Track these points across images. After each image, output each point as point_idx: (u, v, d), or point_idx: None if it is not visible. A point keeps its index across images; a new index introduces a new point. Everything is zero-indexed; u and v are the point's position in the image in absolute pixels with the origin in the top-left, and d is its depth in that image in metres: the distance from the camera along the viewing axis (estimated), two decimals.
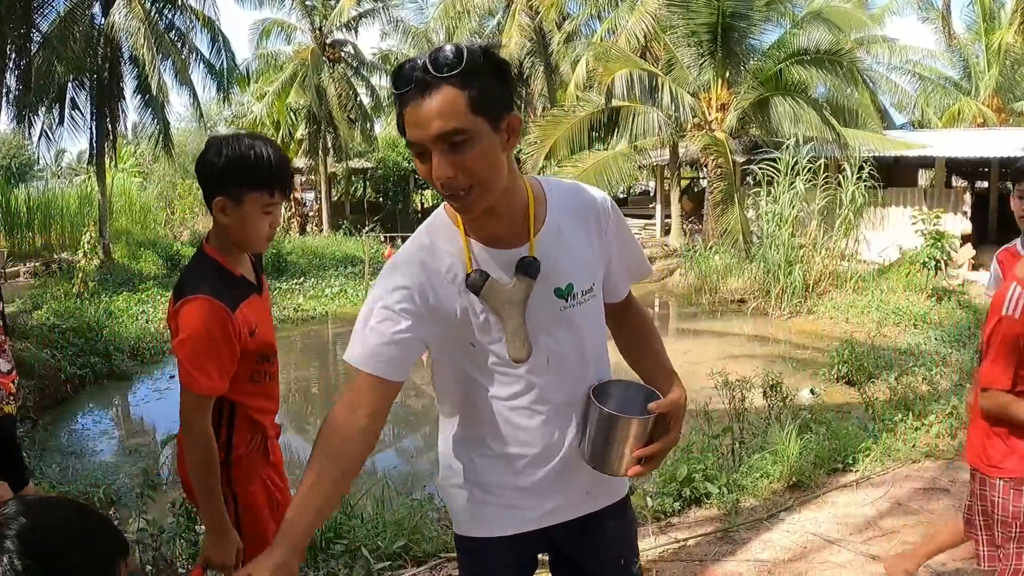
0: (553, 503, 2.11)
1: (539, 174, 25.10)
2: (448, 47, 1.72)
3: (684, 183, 30.91)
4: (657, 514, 5.09)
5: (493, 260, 1.93)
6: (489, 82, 1.74)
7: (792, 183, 16.88)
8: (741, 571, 4.31)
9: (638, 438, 1.94)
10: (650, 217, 31.33)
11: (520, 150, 28.85)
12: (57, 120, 21.78)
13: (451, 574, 4.36)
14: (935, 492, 5.52)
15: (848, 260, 17.40)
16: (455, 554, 4.28)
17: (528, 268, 1.91)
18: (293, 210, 32.20)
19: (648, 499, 5.14)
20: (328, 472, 1.83)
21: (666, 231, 28.06)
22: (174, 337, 2.51)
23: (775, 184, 17.18)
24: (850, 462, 5.98)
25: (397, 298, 1.92)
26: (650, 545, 4.65)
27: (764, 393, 7.03)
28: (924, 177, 25.46)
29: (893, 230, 19.25)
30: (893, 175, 21.87)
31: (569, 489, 2.10)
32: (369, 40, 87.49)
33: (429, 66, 1.70)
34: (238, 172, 2.45)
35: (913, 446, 6.36)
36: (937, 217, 17.47)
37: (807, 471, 5.69)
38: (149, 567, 4.55)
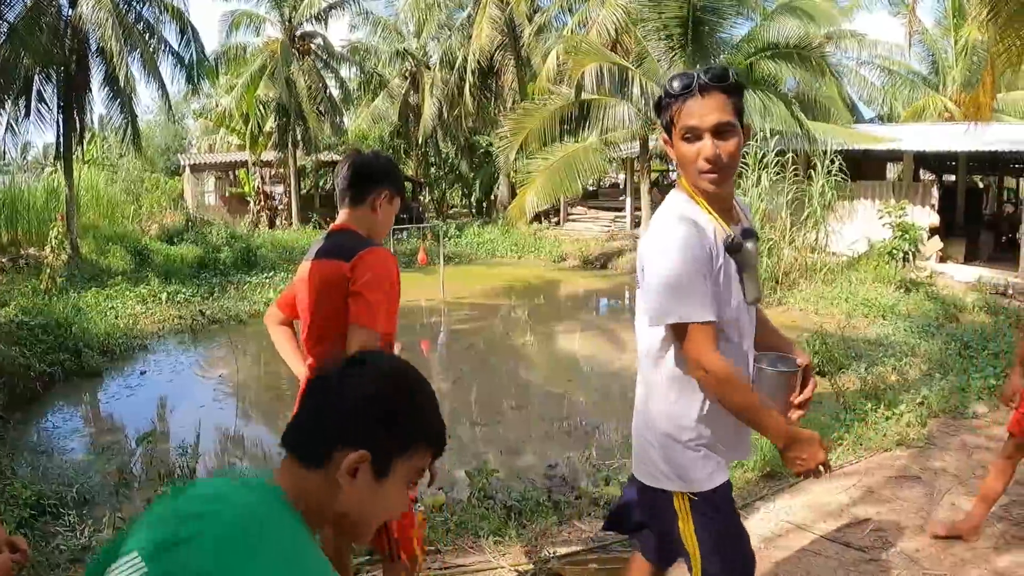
0: (742, 452, 2.81)
1: (511, 167, 25.40)
2: (718, 68, 2.44)
3: (654, 176, 31.01)
4: None
5: (734, 229, 2.57)
6: (741, 96, 2.48)
7: (760, 177, 16.98)
8: None
9: (793, 389, 2.59)
10: (620, 210, 31.45)
11: (491, 143, 28.91)
12: (23, 113, 21.43)
13: (430, 566, 4.38)
14: (907, 480, 5.61)
15: (817, 252, 17.53)
16: (432, 547, 4.29)
17: (754, 234, 2.62)
18: (263, 203, 31.98)
19: (621, 487, 5.16)
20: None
21: (636, 223, 28.21)
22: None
23: (744, 177, 17.27)
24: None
25: (697, 265, 2.45)
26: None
27: None
28: (893, 171, 25.69)
29: (862, 223, 19.44)
30: (862, 168, 22.02)
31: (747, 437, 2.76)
32: (339, 32, 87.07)
33: (710, 77, 2.41)
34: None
35: (884, 435, 6.46)
36: (902, 209, 17.64)
37: (780, 461, 5.74)
38: None
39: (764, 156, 17.26)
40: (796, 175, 17.48)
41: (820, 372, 10.18)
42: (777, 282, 16.38)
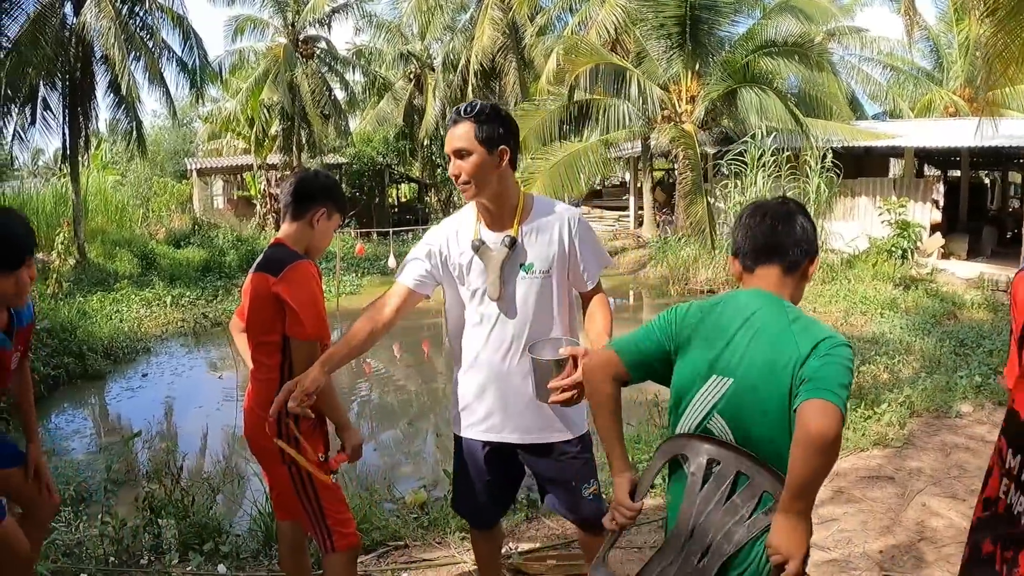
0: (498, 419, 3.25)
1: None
2: (475, 103, 3.04)
3: (658, 175, 31.05)
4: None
5: (490, 235, 3.13)
6: (493, 125, 3.00)
7: (756, 176, 17.03)
8: None
9: (555, 376, 2.84)
10: (624, 209, 31.52)
11: None
12: (29, 121, 21.65)
13: (396, 561, 4.50)
14: (879, 480, 5.66)
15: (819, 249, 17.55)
16: (401, 542, 4.45)
17: (509, 242, 3.07)
18: (269, 206, 32.15)
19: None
20: (363, 328, 3.08)
21: (639, 223, 28.26)
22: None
23: (743, 176, 17.33)
24: None
25: (425, 249, 3.22)
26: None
27: None
28: (896, 167, 25.69)
29: (863, 219, 19.48)
30: (864, 165, 22.07)
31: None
32: (342, 35, 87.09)
33: (462, 110, 3.02)
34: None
35: (863, 435, 6.51)
36: (902, 206, 17.63)
37: None
38: (112, 559, 4.66)
39: (761, 155, 17.29)
40: (794, 173, 17.51)
41: None
42: None
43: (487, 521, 3.54)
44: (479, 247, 3.11)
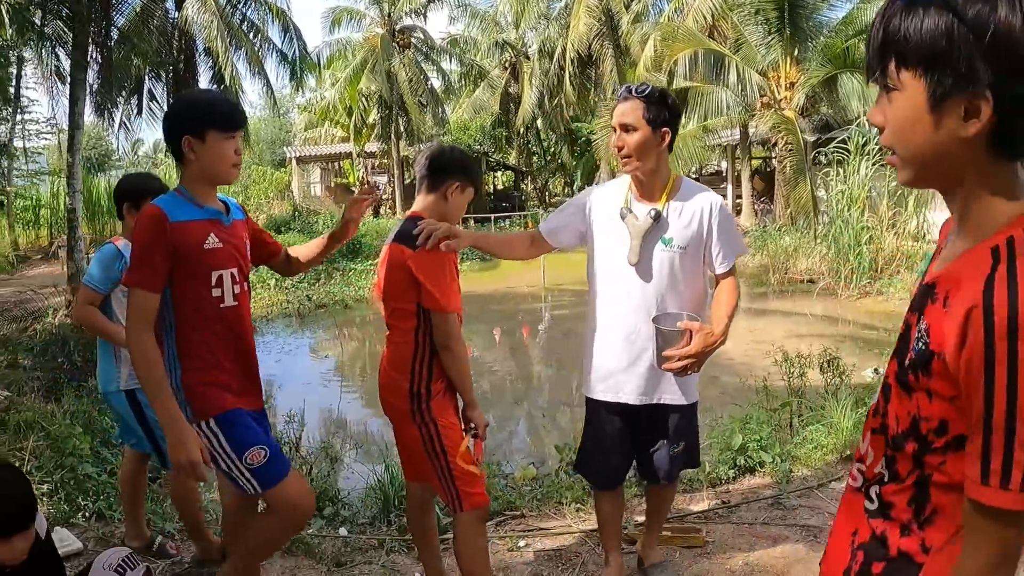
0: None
1: (607, 152, 25.32)
2: (645, 85, 3.26)
3: (755, 163, 30.66)
4: (713, 480, 5.27)
5: (638, 206, 3.35)
6: (660, 107, 3.20)
7: (860, 164, 16.69)
8: (788, 535, 4.45)
9: (674, 346, 3.06)
10: (722, 197, 31.20)
11: (591, 132, 28.93)
12: (135, 111, 22.41)
13: (514, 529, 4.62)
14: None
15: (920, 241, 17.15)
16: (517, 512, 4.55)
17: (654, 215, 3.28)
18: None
19: (706, 465, 5.31)
20: (507, 241, 3.93)
21: (737, 211, 27.94)
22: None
23: (845, 164, 17.01)
24: None
25: (575, 206, 3.59)
26: (704, 508, 4.84)
27: (821, 369, 7.10)
28: None
29: None
30: None
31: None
32: (438, 24, 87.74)
33: (633, 89, 3.24)
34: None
35: None
36: None
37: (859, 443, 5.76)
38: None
39: (866, 143, 16.95)
40: None
41: None
42: (876, 271, 16.08)
43: (612, 481, 3.71)
44: (626, 215, 3.32)
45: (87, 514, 5.11)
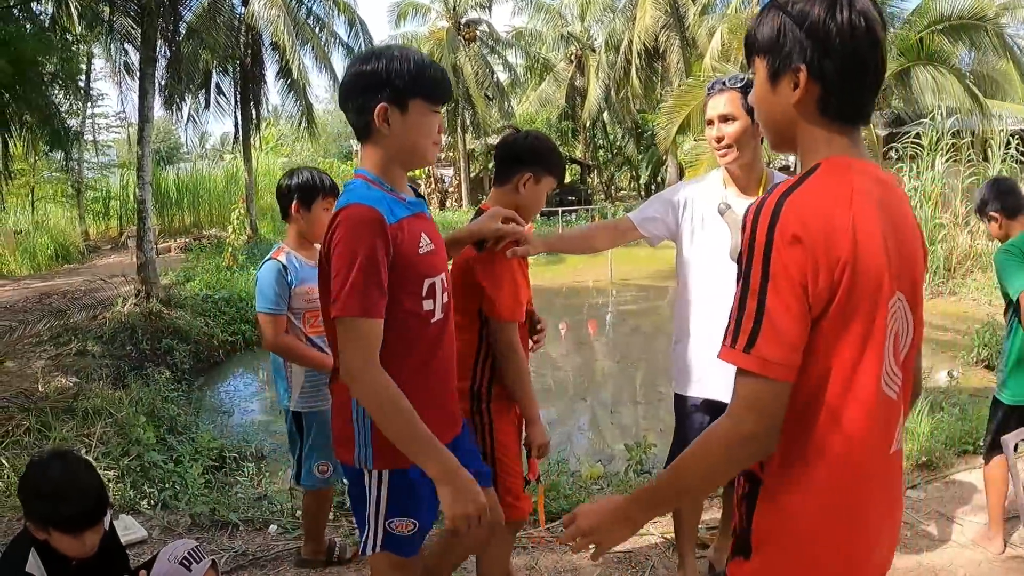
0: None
1: (672, 145, 25.18)
2: (741, 75, 3.20)
3: None
4: None
5: (736, 200, 3.27)
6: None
7: (934, 160, 16.29)
8: None
9: None
10: None
11: (655, 122, 28.74)
12: (203, 105, 22.78)
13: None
14: None
15: (994, 240, 16.70)
16: None
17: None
18: (433, 186, 32.77)
19: None
20: (586, 234, 3.82)
21: None
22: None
23: (917, 160, 16.61)
24: (981, 445, 5.75)
25: (668, 198, 3.48)
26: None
27: None
28: None
29: None
30: None
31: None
32: (502, 17, 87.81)
33: (727, 81, 3.21)
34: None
35: None
36: None
37: (937, 451, 5.60)
38: (298, 512, 4.83)
39: (939, 138, 16.54)
40: (972, 158, 16.68)
41: (988, 366, 9.76)
42: (949, 271, 15.70)
43: None
44: (725, 210, 3.27)
45: (152, 501, 5.12)
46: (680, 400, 3.52)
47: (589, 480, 5.53)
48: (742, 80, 3.17)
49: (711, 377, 3.30)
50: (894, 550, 1.78)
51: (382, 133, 2.34)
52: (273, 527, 4.65)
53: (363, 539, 2.53)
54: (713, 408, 3.36)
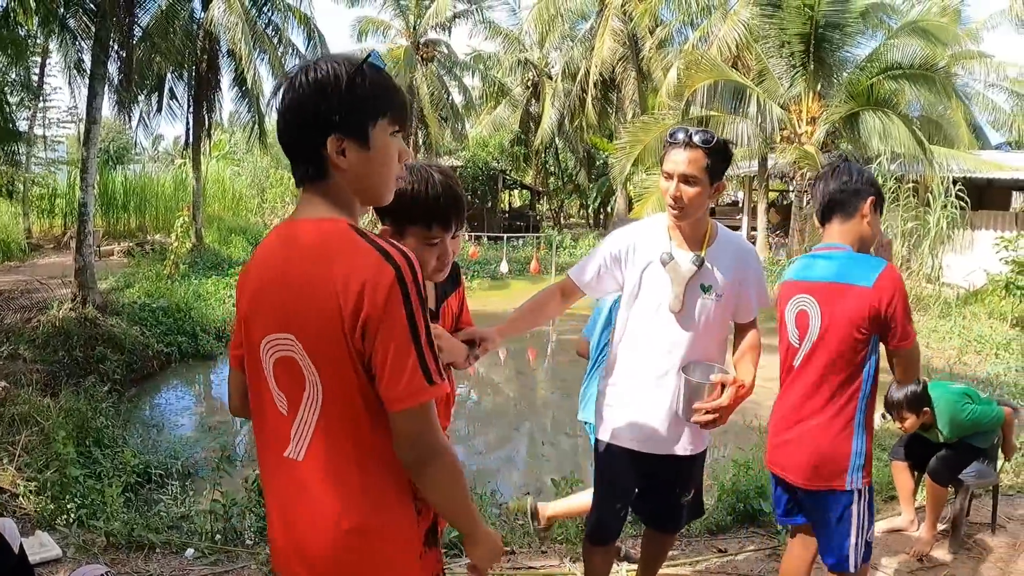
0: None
1: (625, 180, 25.43)
2: (708, 133, 3.07)
3: (772, 195, 30.56)
4: (709, 526, 5.14)
5: (679, 252, 3.21)
6: (720, 159, 3.10)
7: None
8: None
9: (703, 398, 3.01)
10: (736, 228, 31.07)
11: (608, 156, 28.94)
12: (155, 108, 22.52)
13: (503, 566, 4.49)
14: (989, 527, 5.38)
15: (933, 283, 17.01)
16: (508, 547, 4.44)
17: (698, 262, 3.17)
18: None
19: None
20: (535, 308, 3.37)
21: (752, 243, 27.77)
22: None
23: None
24: None
25: (610, 251, 3.32)
26: (698, 555, 4.72)
27: None
28: (1019, 200, 24.80)
29: (981, 254, 18.80)
30: (985, 197, 21.36)
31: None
32: (461, 40, 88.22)
33: (695, 137, 3.04)
34: (399, 206, 2.36)
35: None
36: (1020, 239, 16.81)
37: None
38: (218, 536, 4.77)
39: (884, 181, 16.82)
40: (914, 201, 16.99)
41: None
42: None
43: (615, 533, 3.62)
44: (668, 261, 3.21)
45: (70, 518, 5.02)
46: (610, 450, 3.42)
47: (515, 512, 5.52)
48: (710, 141, 3.05)
49: (647, 429, 3.31)
50: (313, 540, 1.82)
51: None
52: (190, 551, 4.58)
53: (842, 559, 3.18)
54: (642, 461, 3.35)
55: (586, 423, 4.41)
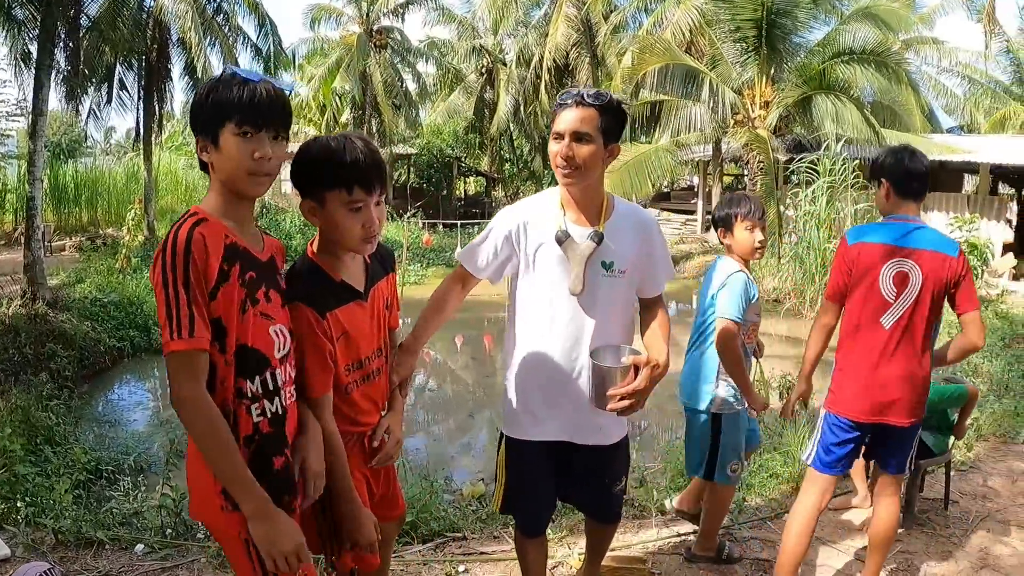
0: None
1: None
2: (606, 92, 2.92)
3: (727, 180, 30.74)
4: (662, 508, 5.14)
5: (575, 229, 3.01)
6: (615, 118, 2.93)
7: (830, 185, 16.72)
8: (736, 569, 4.36)
9: (616, 383, 2.79)
10: (691, 213, 31.29)
11: None
12: (105, 99, 22.18)
13: (454, 552, 4.48)
14: (932, 500, 5.47)
15: None
16: (459, 533, 4.43)
17: (597, 237, 2.97)
18: None
19: (654, 492, 5.20)
20: (437, 309, 3.20)
21: (707, 227, 28.02)
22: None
23: (815, 185, 17.05)
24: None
25: (499, 233, 3.10)
26: (652, 537, 4.73)
27: (780, 395, 6.99)
28: (970, 183, 25.11)
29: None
30: (937, 179, 21.57)
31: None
32: (416, 27, 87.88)
33: (586, 96, 2.87)
34: (320, 171, 2.53)
35: None
36: (972, 222, 17.05)
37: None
38: (169, 531, 4.72)
39: (834, 165, 16.98)
40: (866, 184, 17.14)
41: None
42: None
43: (540, 527, 3.45)
44: (564, 239, 2.99)
45: (19, 517, 4.95)
46: (518, 444, 3.24)
47: (470, 498, 5.52)
48: (605, 97, 2.90)
49: (557, 419, 3.14)
50: None
51: None
52: (140, 547, 4.52)
53: (905, 465, 3.85)
54: (557, 451, 3.21)
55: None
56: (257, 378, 2.25)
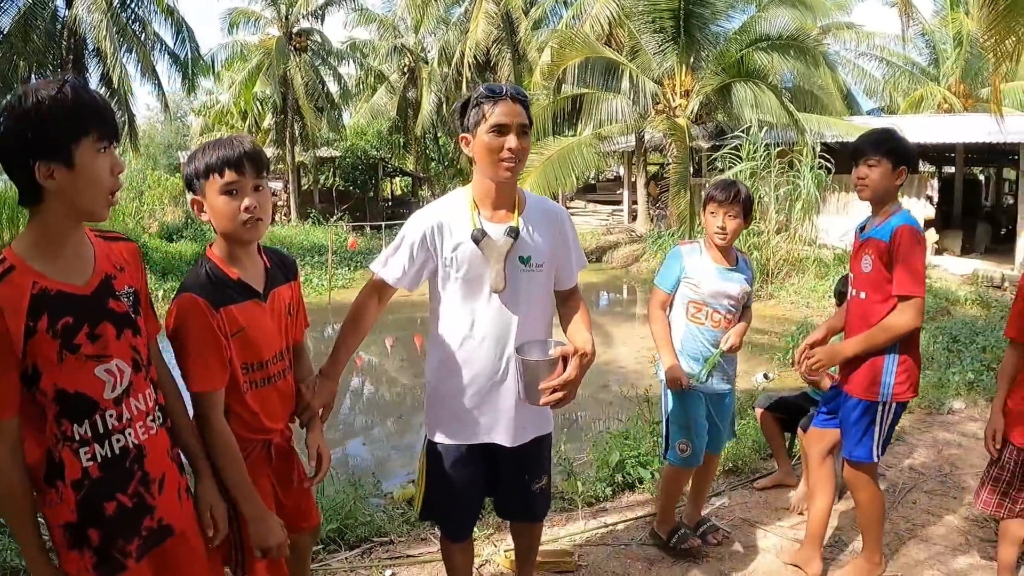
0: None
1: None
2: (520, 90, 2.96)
3: (652, 169, 30.95)
4: (589, 499, 5.13)
5: (491, 226, 2.99)
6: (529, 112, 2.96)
7: (752, 170, 16.91)
8: (663, 556, 4.34)
9: (546, 377, 2.78)
10: (618, 203, 31.44)
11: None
12: None
13: (380, 557, 4.41)
14: None
15: (811, 245, 17.48)
16: (386, 538, 4.35)
17: (513, 233, 2.97)
18: None
19: (580, 484, 5.17)
20: (355, 327, 3.16)
21: (633, 217, 28.20)
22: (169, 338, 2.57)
23: (735, 168, 17.23)
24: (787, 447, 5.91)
25: (412, 238, 3.03)
26: (579, 529, 4.71)
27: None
28: None
29: (856, 215, 19.24)
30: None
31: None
32: (337, 28, 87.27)
33: (516, 93, 2.90)
34: (197, 168, 2.63)
35: None
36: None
37: (743, 456, 5.75)
38: None
39: (756, 149, 17.18)
40: (786, 168, 17.39)
41: None
42: (767, 276, 16.32)
43: (468, 531, 3.43)
44: (480, 237, 2.96)
45: None
46: (443, 448, 3.20)
47: (400, 501, 5.44)
48: (526, 94, 2.97)
49: (484, 421, 3.12)
50: None
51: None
52: None
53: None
54: (482, 453, 3.19)
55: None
56: (86, 421, 2.11)
